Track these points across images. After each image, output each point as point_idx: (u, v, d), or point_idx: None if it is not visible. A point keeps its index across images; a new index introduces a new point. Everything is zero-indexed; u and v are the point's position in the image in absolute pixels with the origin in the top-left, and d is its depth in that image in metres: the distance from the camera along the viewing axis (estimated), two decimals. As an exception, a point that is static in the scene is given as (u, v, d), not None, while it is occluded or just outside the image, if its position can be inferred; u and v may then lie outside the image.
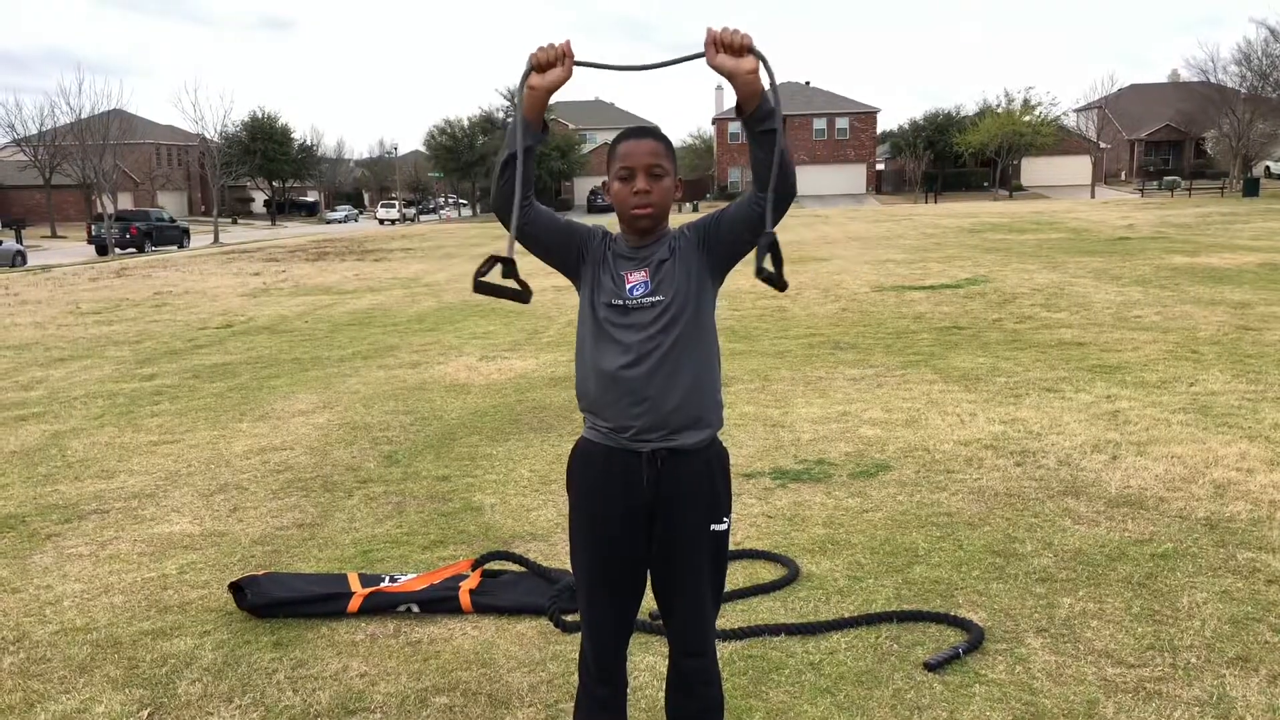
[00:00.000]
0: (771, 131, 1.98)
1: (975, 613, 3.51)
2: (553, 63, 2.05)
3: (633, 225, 2.24)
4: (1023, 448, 5.50)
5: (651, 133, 2.22)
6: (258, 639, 3.55)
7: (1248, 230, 21.58)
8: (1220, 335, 8.76)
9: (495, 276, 2.19)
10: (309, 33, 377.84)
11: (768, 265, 2.05)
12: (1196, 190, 52.51)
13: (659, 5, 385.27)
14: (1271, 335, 8.63)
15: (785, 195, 2.05)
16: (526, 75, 2.07)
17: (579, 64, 2.09)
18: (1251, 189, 43.74)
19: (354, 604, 3.71)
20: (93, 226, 39.31)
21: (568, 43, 2.04)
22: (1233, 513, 4.37)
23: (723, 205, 2.27)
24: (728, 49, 1.93)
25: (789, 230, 30.79)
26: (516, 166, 2.11)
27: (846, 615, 3.52)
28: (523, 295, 2.19)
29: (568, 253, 2.27)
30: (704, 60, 1.96)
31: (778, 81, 2.00)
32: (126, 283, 20.43)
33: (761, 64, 1.91)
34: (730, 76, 1.94)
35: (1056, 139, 64.47)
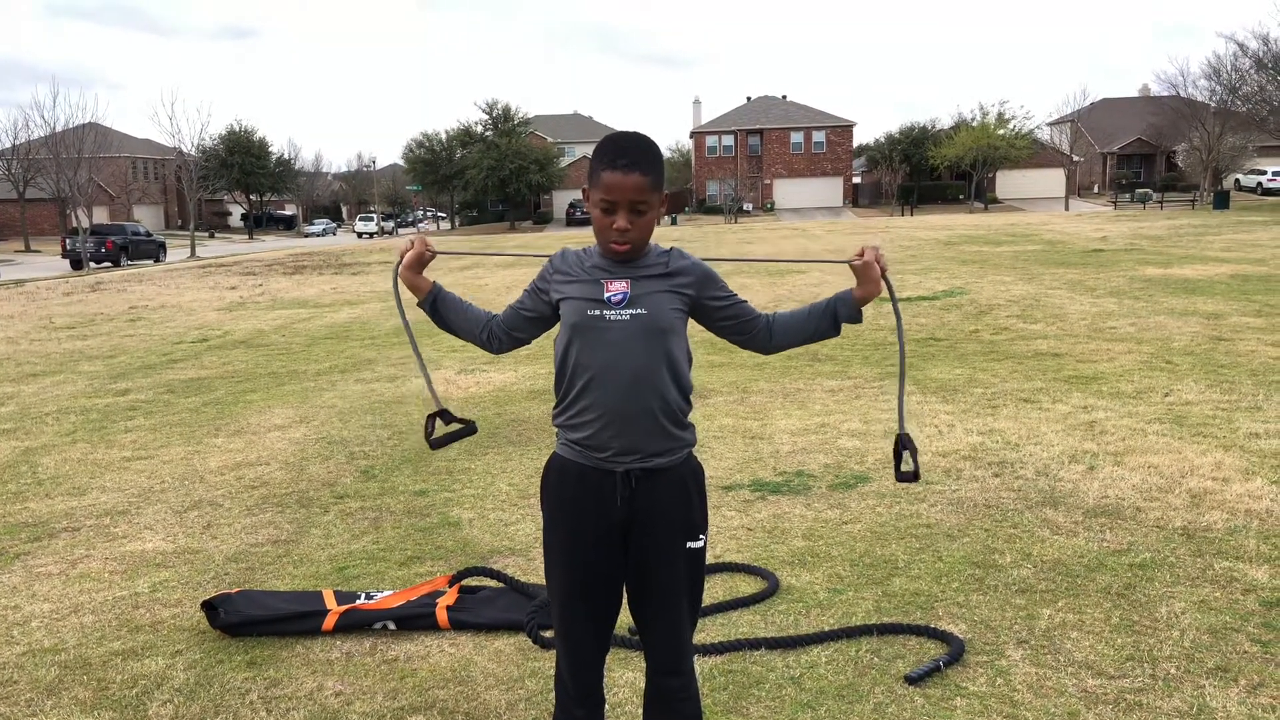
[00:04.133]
0: (837, 326, 2.39)
1: (955, 625, 3.51)
2: (408, 249, 2.44)
3: (610, 255, 2.22)
4: (1001, 458, 5.51)
5: (638, 164, 2.13)
6: (231, 658, 3.50)
7: (1219, 242, 21.83)
8: (1194, 346, 8.84)
9: (440, 429, 2.56)
10: (275, 42, 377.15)
11: (906, 465, 2.50)
12: (1168, 203, 53.07)
13: (628, 14, 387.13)
14: (1244, 345, 8.72)
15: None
16: (396, 267, 2.46)
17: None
18: (1221, 201, 44.26)
19: (329, 622, 3.66)
20: (67, 240, 38.86)
21: (419, 237, 2.50)
22: (1209, 522, 4.40)
23: (729, 293, 2.32)
24: (880, 265, 2.34)
25: (768, 242, 30.92)
26: (452, 332, 2.49)
27: (827, 628, 3.51)
28: (470, 429, 2.61)
29: (547, 309, 2.33)
30: (850, 263, 2.36)
31: None
32: (101, 297, 20.22)
33: (887, 286, 2.39)
34: (865, 281, 2.33)
35: (1030, 152, 65.05)
